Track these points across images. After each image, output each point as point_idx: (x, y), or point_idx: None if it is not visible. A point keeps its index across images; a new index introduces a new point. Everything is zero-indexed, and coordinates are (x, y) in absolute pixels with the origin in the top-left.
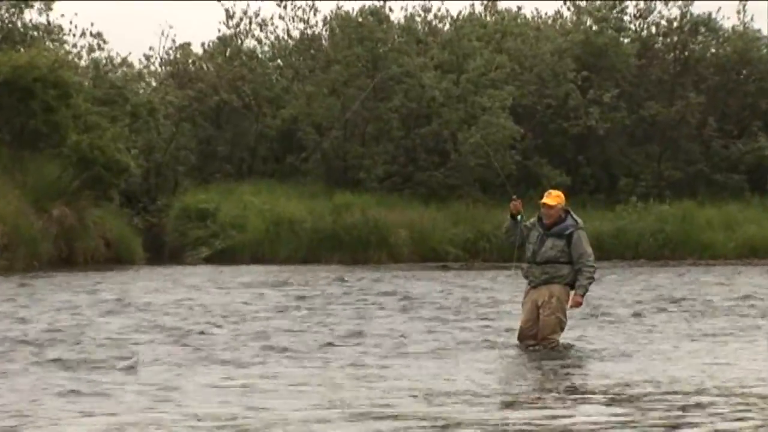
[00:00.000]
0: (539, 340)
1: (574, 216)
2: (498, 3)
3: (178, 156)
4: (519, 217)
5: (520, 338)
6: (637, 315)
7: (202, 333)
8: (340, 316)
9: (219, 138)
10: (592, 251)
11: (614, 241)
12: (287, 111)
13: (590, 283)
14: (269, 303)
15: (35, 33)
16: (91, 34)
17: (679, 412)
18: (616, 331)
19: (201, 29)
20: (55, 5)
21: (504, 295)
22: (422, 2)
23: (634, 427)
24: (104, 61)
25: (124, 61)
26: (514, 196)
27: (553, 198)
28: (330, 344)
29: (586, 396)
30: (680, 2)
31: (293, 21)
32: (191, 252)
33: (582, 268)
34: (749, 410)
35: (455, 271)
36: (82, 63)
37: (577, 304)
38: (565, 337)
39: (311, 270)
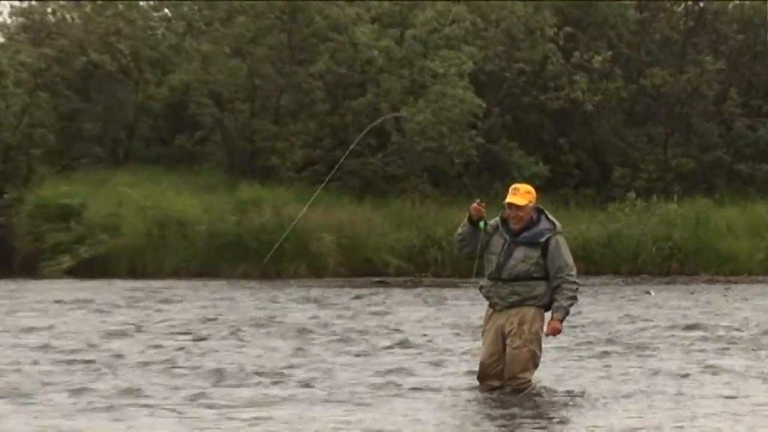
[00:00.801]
0: (506, 380)
1: (550, 216)
2: None
3: (32, 135)
4: (481, 223)
5: (480, 378)
6: (631, 347)
7: None
8: (223, 348)
9: (87, 112)
10: (574, 263)
11: (606, 251)
12: (177, 77)
13: (572, 305)
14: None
15: None
16: None
17: None
18: (604, 369)
19: None
20: None
21: (460, 320)
22: None
23: None
24: None
25: None
26: (478, 199)
27: (522, 195)
28: (201, 391)
29: None
30: None
31: None
32: (49, 262)
33: (561, 285)
34: None
35: (396, 288)
36: None
37: (555, 331)
38: (538, 376)
39: (203, 286)
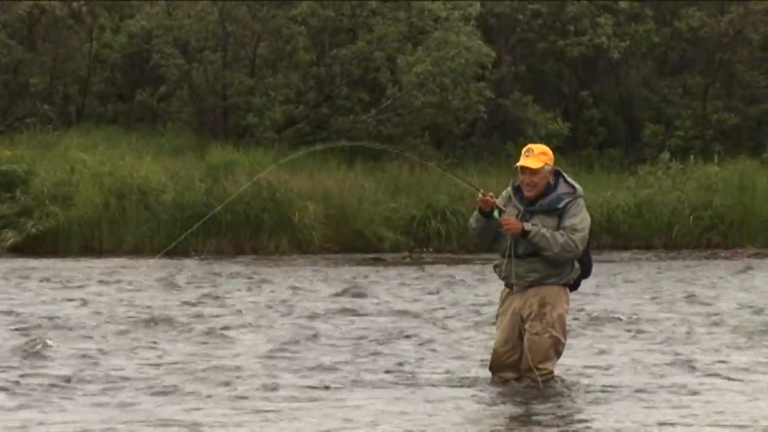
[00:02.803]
0: (524, 371)
1: (569, 179)
2: None
3: None
4: (495, 212)
5: (493, 369)
6: (666, 334)
7: None
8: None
9: (33, 64)
10: (586, 233)
11: (636, 221)
12: (137, 22)
13: (547, 247)
14: None
15: None
16: None
17: None
18: (635, 358)
19: None
20: None
21: (467, 303)
22: None
23: None
24: None
25: None
26: (481, 191)
27: (536, 157)
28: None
29: None
30: None
31: None
32: None
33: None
34: None
35: (392, 266)
36: None
37: (512, 225)
38: (562, 367)
39: (168, 264)
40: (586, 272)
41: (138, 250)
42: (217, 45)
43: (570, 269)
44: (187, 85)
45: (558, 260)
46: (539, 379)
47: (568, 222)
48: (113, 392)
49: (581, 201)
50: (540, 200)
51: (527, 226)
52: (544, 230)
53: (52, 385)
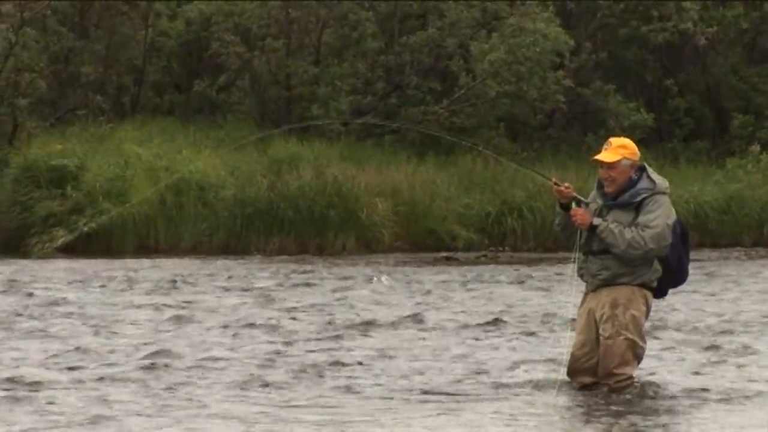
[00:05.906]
0: (601, 377)
1: (653, 175)
2: None
3: (18, 82)
4: (573, 204)
5: (570, 373)
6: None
7: None
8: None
9: (85, 52)
10: (662, 231)
11: (724, 217)
12: (195, 8)
13: (626, 247)
14: None
15: None
16: None
17: None
18: (731, 363)
19: None
20: None
21: (549, 305)
22: None
23: None
24: None
25: None
26: (554, 179)
27: (614, 150)
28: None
29: None
30: None
31: None
32: (40, 237)
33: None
34: None
35: (467, 266)
36: None
37: (579, 217)
38: (644, 370)
39: (225, 266)
40: (675, 278)
41: (196, 250)
42: (279, 32)
43: (647, 269)
44: (248, 75)
45: (627, 258)
46: (617, 385)
47: (642, 218)
48: None
49: (660, 198)
50: (621, 195)
51: (596, 220)
52: (613, 225)
53: None
